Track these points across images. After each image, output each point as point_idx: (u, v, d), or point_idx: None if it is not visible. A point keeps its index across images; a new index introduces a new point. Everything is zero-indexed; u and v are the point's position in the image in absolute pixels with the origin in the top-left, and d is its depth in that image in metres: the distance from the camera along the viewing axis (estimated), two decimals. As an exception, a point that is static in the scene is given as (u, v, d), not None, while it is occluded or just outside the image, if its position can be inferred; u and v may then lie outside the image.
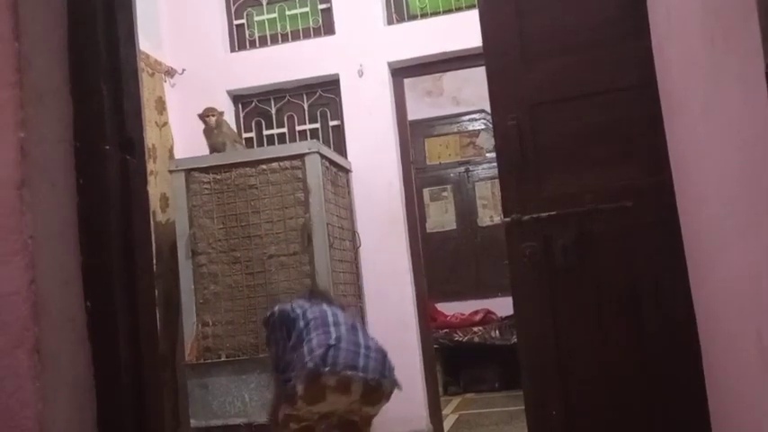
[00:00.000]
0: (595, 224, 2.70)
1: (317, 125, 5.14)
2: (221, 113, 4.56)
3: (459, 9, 4.99)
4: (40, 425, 1.22)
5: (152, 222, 4.32)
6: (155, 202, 4.45)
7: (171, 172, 4.37)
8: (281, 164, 4.25)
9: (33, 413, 1.22)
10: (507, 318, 6.34)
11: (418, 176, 6.21)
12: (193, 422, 4.11)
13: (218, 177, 4.30)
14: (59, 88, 1.37)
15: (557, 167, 2.76)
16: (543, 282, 2.73)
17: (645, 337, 2.66)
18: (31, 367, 1.22)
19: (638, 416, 2.63)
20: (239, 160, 4.31)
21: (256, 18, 5.26)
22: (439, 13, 5.02)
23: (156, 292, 4.25)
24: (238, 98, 5.24)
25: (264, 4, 5.24)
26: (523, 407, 2.83)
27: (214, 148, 4.46)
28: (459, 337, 6.57)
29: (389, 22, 5.07)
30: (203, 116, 4.48)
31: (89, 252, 1.36)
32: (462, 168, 7.79)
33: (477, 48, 3.02)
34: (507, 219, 2.77)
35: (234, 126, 5.10)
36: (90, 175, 1.38)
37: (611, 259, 2.71)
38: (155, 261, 4.24)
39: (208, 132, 4.48)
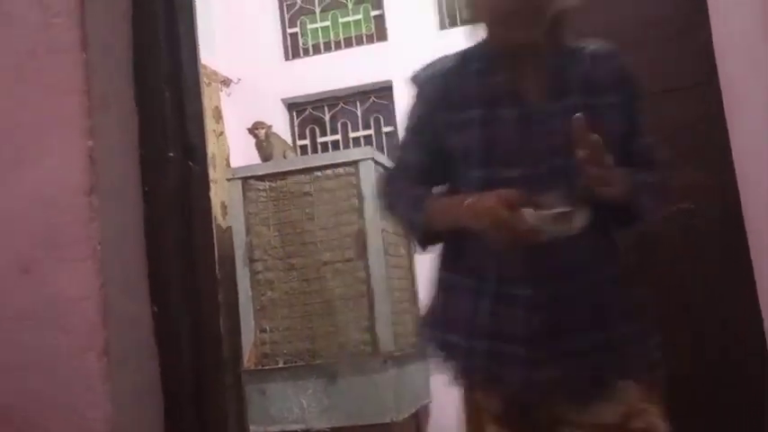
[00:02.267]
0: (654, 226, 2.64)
1: (371, 131, 5.15)
2: (269, 126, 4.61)
3: (511, 12, 4.95)
4: (109, 427, 1.24)
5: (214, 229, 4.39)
6: (216, 210, 4.51)
7: (228, 180, 4.43)
8: (335, 171, 4.27)
9: (102, 415, 1.24)
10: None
11: (472, 182, 6.17)
12: (252, 428, 4.15)
13: (274, 185, 4.34)
14: (124, 95, 1.39)
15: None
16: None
17: (704, 343, 2.59)
18: (100, 370, 1.24)
19: (693, 424, 2.56)
20: (294, 168, 4.35)
21: (310, 26, 5.30)
22: (491, 17, 4.99)
23: (220, 297, 4.30)
24: (293, 106, 5.29)
25: (318, 12, 5.29)
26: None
27: (266, 160, 4.54)
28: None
29: (442, 27, 5.06)
30: (252, 130, 4.55)
31: (154, 257, 1.38)
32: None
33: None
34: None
35: (288, 134, 5.14)
36: (154, 181, 1.40)
37: (670, 262, 2.65)
38: (218, 267, 4.30)
39: (258, 145, 4.56)
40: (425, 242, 1.53)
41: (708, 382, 2.58)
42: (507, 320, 1.41)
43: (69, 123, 1.30)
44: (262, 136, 4.54)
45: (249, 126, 4.58)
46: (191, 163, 1.48)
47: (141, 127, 1.42)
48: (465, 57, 1.55)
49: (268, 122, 4.63)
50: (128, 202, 1.38)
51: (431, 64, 1.60)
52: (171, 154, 1.43)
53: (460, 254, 1.49)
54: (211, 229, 1.52)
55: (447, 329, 1.49)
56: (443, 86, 1.53)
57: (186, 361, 1.39)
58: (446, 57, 1.58)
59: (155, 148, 1.41)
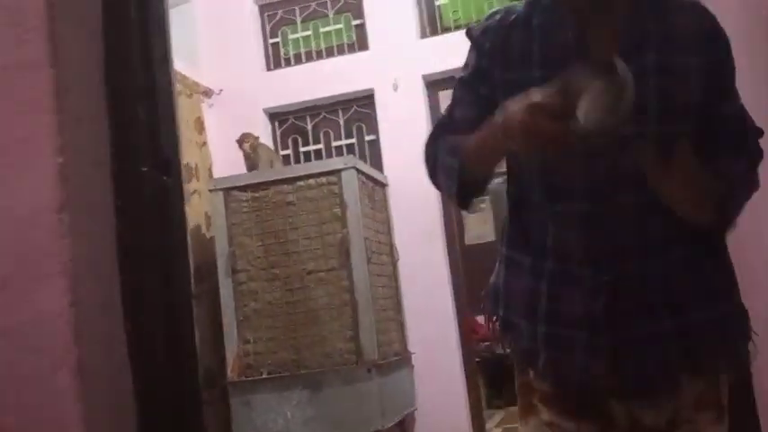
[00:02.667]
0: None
1: (353, 140, 5.16)
2: (257, 138, 4.60)
3: (492, 20, 4.97)
4: (82, 446, 1.23)
5: (198, 240, 4.37)
6: (200, 220, 4.50)
7: (210, 191, 4.42)
8: (318, 180, 4.27)
9: (76, 435, 1.23)
10: (549, 330, 6.25)
11: (456, 189, 6.18)
12: (237, 440, 4.13)
13: (257, 195, 4.33)
14: (96, 112, 1.38)
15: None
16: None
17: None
18: (72, 389, 1.23)
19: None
20: (276, 178, 4.34)
21: (291, 36, 5.30)
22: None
23: (205, 309, 4.28)
24: (275, 116, 5.28)
25: (299, 21, 5.29)
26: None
27: (253, 170, 4.53)
28: (500, 350, 6.49)
29: (423, 35, 5.07)
30: (239, 142, 4.54)
31: (128, 273, 1.37)
32: (501, 179, 7.71)
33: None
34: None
35: (271, 144, 5.14)
36: (127, 197, 1.39)
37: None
38: (203, 278, 4.28)
39: (246, 156, 4.55)
40: (463, 192, 1.36)
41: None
42: (566, 303, 1.29)
43: (40, 140, 1.29)
44: (248, 149, 4.53)
45: (232, 136, 4.57)
46: (164, 177, 1.47)
47: (113, 142, 1.41)
48: (530, 8, 1.35)
49: (252, 133, 4.62)
50: (100, 218, 1.37)
51: (491, 15, 1.39)
52: (144, 169, 1.42)
53: (519, 229, 1.40)
54: (186, 244, 1.51)
55: (508, 309, 1.40)
56: (501, 41, 1.33)
57: (162, 379, 1.38)
58: (511, 7, 1.37)
59: (127, 163, 1.40)
